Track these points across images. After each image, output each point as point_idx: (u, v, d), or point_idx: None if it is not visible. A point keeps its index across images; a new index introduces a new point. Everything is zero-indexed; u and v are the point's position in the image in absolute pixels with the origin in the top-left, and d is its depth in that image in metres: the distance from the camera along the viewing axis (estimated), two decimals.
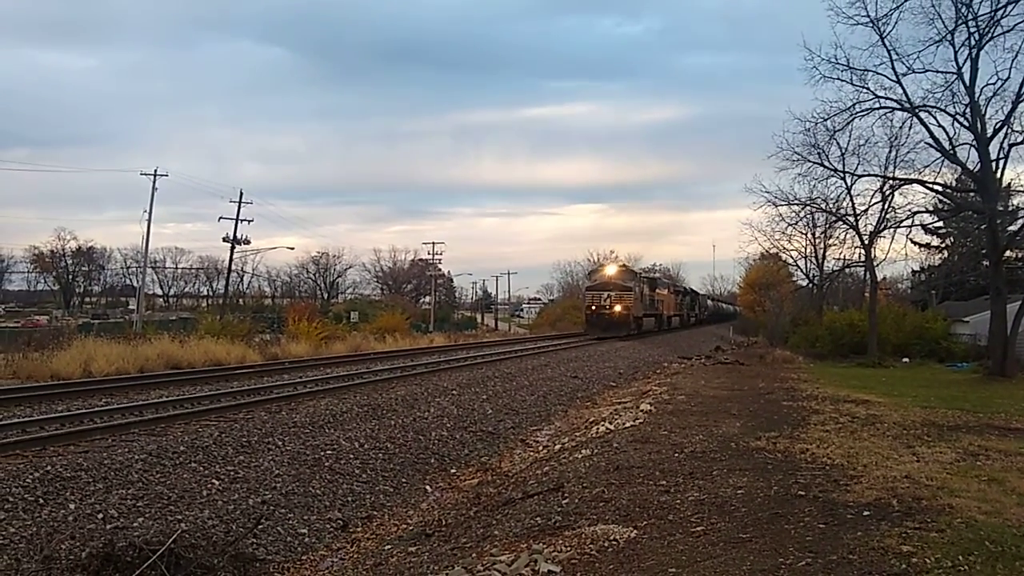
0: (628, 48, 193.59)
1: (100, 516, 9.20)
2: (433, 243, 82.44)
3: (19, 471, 10.08)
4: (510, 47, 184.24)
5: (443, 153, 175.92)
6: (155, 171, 55.66)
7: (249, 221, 59.43)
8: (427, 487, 12.97)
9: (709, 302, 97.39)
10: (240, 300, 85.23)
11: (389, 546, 9.21)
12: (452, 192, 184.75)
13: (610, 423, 15.12)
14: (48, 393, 17.51)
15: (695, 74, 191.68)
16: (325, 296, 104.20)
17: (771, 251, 50.96)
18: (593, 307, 47.92)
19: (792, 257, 51.45)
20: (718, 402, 17.27)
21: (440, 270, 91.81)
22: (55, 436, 12.23)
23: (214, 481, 11.02)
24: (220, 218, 59.27)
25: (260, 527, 9.50)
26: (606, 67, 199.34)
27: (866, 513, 7.31)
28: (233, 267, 66.75)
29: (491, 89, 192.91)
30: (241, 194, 57.84)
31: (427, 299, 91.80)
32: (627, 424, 14.34)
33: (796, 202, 37.81)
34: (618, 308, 46.61)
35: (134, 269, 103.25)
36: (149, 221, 55.53)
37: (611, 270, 49.69)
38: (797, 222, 41.29)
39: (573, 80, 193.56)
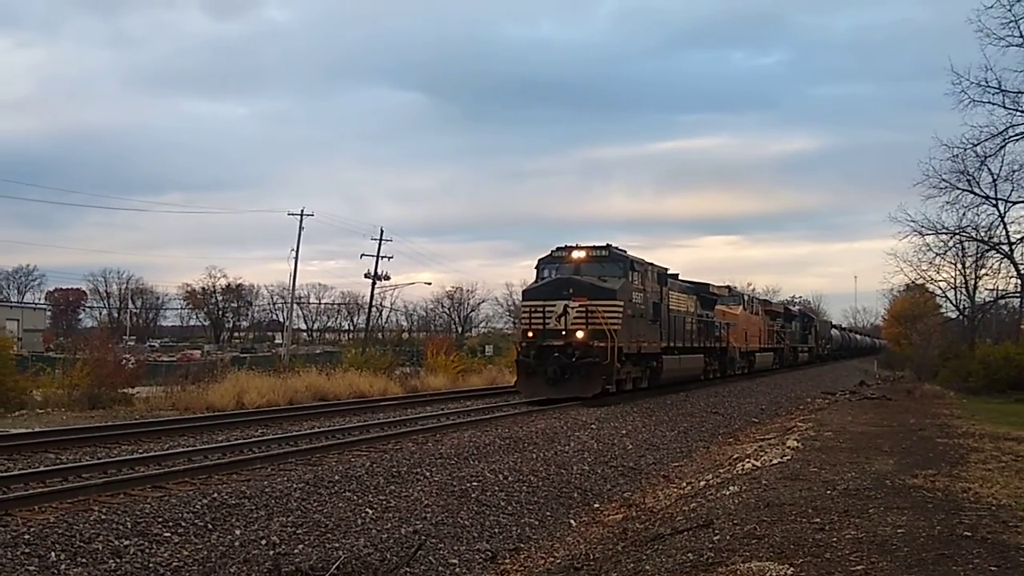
0: (758, 80, 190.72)
1: (264, 542, 9.63)
2: None
3: (189, 498, 10.67)
4: (639, 83, 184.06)
5: (571, 188, 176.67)
6: (302, 211, 58.30)
7: (389, 258, 61.31)
8: (571, 521, 13.02)
9: (835, 332, 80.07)
10: (380, 334, 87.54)
11: None
12: (581, 226, 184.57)
13: (756, 460, 14.85)
14: (207, 424, 18.44)
15: (827, 104, 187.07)
16: (459, 330, 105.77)
17: (917, 282, 48.94)
18: (530, 333, 24.38)
19: (940, 288, 49.24)
20: (867, 438, 16.72)
21: None
22: (218, 465, 12.87)
23: (367, 510, 11.37)
24: (361, 255, 61.24)
25: (415, 557, 9.76)
26: (736, 100, 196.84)
27: None
28: (373, 302, 68.68)
29: (619, 125, 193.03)
30: (382, 232, 59.70)
31: None
32: (774, 461, 14.05)
33: (944, 231, 36.42)
34: (580, 335, 23.46)
35: (280, 305, 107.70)
36: (296, 258, 58.19)
37: (578, 255, 25.27)
38: (945, 252, 39.68)
39: (703, 113, 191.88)
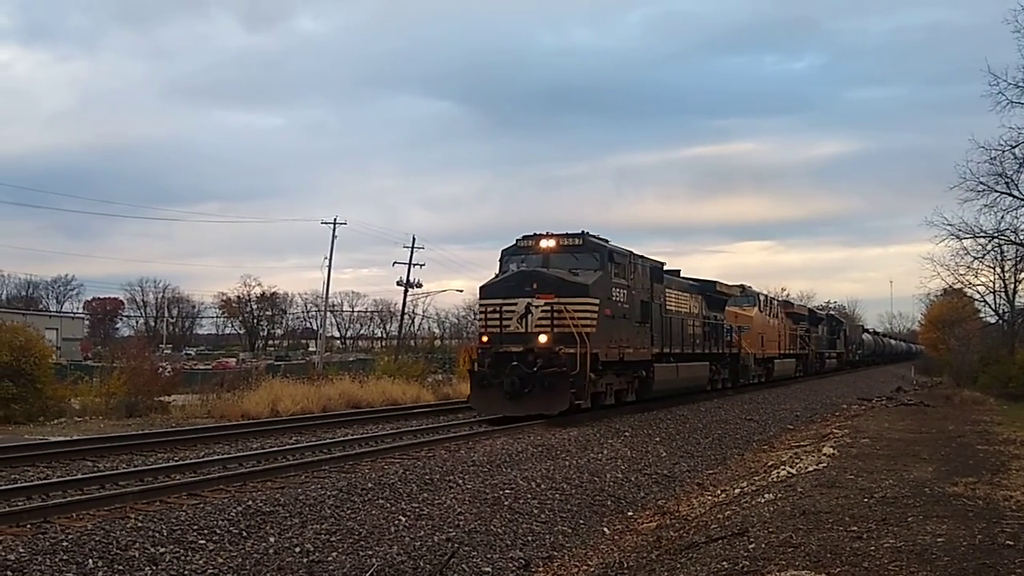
0: (790, 85, 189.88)
1: (298, 550, 9.66)
2: None
3: (224, 505, 10.73)
4: (671, 88, 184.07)
5: (604, 194, 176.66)
6: (335, 220, 58.72)
7: (421, 265, 61.46)
8: (605, 529, 12.95)
9: (867, 336, 77.37)
10: (412, 341, 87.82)
11: None
12: (613, 231, 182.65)
13: (791, 467, 14.70)
14: (242, 432, 18.62)
15: (860, 108, 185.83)
16: None
17: (955, 286, 48.21)
18: (485, 338, 20.64)
19: (979, 292, 48.44)
20: (905, 445, 16.51)
21: None
22: (253, 472, 12.98)
23: (401, 518, 11.38)
24: (394, 263, 61.56)
25: (448, 564, 9.75)
26: (769, 104, 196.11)
27: None
28: (405, 310, 69.00)
29: (652, 131, 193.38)
30: (414, 240, 60.02)
31: None
32: (810, 468, 13.90)
33: (982, 235, 35.85)
34: (544, 339, 19.68)
35: (314, 313, 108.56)
36: (329, 267, 58.63)
37: (547, 244, 21.10)
38: (984, 255, 39.06)
39: (735, 118, 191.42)
